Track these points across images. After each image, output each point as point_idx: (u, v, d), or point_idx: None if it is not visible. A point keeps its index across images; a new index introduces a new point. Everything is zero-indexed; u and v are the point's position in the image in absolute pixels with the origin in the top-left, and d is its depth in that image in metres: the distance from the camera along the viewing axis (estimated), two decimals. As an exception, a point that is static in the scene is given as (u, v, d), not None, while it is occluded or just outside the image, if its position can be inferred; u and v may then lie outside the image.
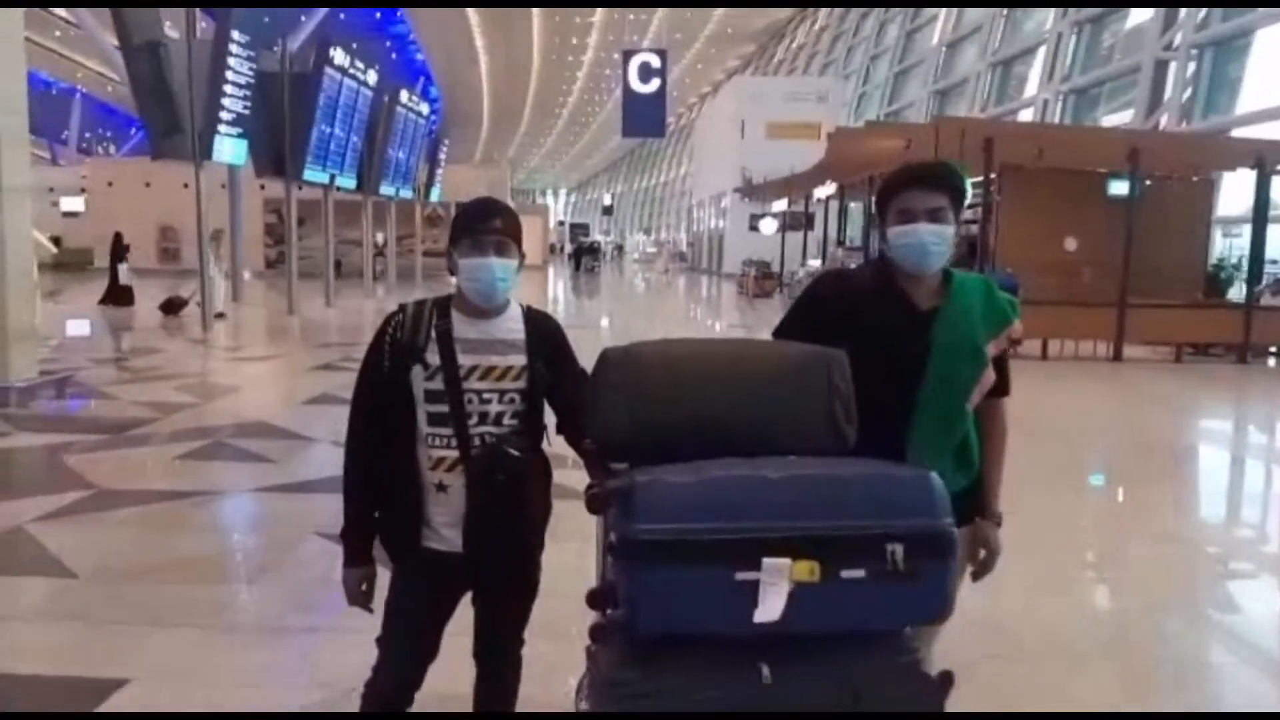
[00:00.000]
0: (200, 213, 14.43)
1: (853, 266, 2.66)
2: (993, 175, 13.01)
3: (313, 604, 4.00)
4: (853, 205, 24.33)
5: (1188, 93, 20.80)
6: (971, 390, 2.27)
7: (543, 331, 2.31)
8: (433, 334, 2.21)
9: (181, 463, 6.42)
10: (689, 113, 68.00)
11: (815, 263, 22.67)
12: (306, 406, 8.75)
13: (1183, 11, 21.13)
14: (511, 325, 2.28)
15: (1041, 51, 28.64)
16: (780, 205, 25.72)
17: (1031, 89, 29.18)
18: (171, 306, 16.56)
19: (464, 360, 2.20)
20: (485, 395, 2.21)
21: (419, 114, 25.02)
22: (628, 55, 18.86)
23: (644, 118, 18.74)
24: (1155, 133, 17.31)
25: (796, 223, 25.85)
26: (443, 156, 31.57)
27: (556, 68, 56.09)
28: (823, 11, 50.97)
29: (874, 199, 2.43)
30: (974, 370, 2.27)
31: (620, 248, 58.70)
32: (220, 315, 15.78)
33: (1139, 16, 24.20)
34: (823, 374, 1.90)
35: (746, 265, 26.58)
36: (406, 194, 26.13)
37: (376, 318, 2.79)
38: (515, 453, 2.16)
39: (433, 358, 2.19)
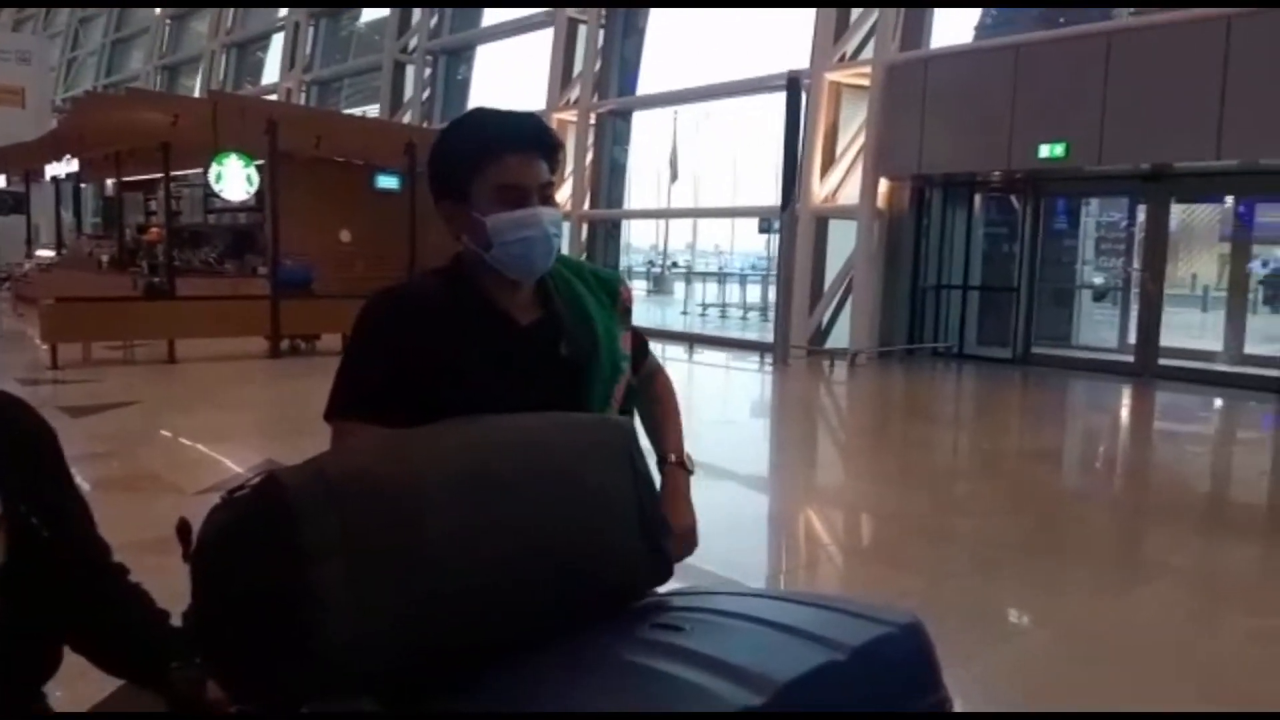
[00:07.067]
0: None
1: (412, 279, 1.84)
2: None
3: None
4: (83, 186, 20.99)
5: (426, 93, 22.43)
6: (614, 395, 1.70)
7: (13, 433, 1.10)
8: None
9: None
10: None
11: (47, 253, 18.95)
12: None
13: (416, 14, 22.59)
14: None
15: (279, 39, 28.12)
16: (-2, 182, 20.96)
17: (273, 75, 28.53)
18: None
19: None
20: None
21: None
22: None
23: None
24: (431, 129, 18.38)
25: (10, 205, 21.22)
26: None
27: None
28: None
29: (434, 169, 1.68)
30: (616, 376, 1.70)
31: None
32: None
33: (372, 15, 25.25)
34: (625, 460, 1.20)
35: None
36: None
37: None
38: None
39: None
